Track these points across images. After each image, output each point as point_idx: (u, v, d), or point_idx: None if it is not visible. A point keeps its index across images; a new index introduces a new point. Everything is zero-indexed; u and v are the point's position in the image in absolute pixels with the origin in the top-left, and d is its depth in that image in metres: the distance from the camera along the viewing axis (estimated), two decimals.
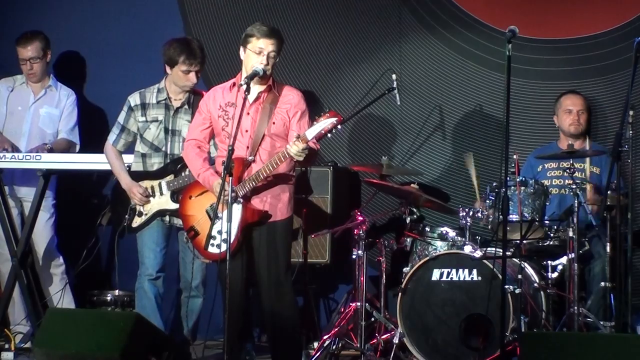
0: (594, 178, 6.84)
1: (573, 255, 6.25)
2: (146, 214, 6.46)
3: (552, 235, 6.49)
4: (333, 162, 7.36)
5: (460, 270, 6.30)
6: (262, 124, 5.68)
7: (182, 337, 6.60)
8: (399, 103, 7.13)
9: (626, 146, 5.43)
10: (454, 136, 7.41)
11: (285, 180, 5.72)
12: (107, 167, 6.65)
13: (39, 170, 6.86)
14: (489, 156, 7.28)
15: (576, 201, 6.23)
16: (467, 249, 6.39)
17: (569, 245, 6.29)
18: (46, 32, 7.30)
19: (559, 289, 6.44)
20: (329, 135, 5.46)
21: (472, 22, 7.38)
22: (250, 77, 5.57)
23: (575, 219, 6.22)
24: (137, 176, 6.50)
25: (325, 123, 5.39)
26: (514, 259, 6.33)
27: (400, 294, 6.38)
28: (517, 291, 6.11)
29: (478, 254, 6.32)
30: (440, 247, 6.59)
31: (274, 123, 5.68)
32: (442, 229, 6.72)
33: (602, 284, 6.44)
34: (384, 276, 6.70)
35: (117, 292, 7.18)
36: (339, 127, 5.42)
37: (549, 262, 6.47)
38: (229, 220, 5.44)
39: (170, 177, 6.44)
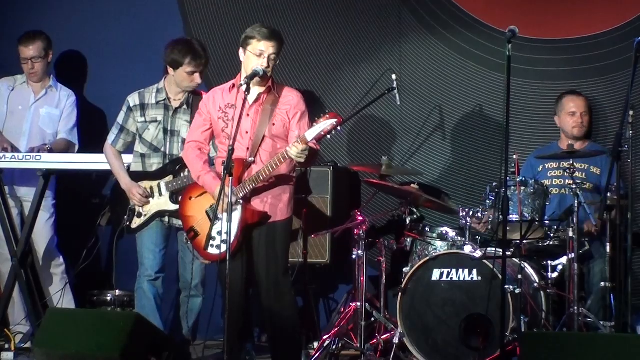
0: (593, 178, 6.84)
1: (573, 255, 6.25)
2: (145, 215, 6.46)
3: (552, 235, 6.49)
4: (333, 162, 7.36)
5: (460, 270, 6.30)
6: (262, 125, 5.68)
7: (182, 337, 6.60)
8: (399, 103, 7.13)
9: (626, 146, 5.43)
10: (454, 136, 7.41)
11: (285, 181, 5.72)
12: (106, 167, 6.65)
13: (38, 170, 6.86)
14: (489, 156, 7.28)
15: (576, 201, 6.23)
16: (467, 249, 6.39)
17: (569, 245, 6.29)
18: (46, 32, 7.30)
19: (559, 289, 6.44)
20: (328, 136, 5.47)
21: (472, 22, 7.38)
22: (250, 77, 5.58)
23: (575, 219, 6.22)
24: (136, 177, 6.50)
25: (325, 124, 5.39)
26: (514, 259, 6.33)
27: (400, 294, 6.38)
28: (517, 291, 6.12)
29: (478, 254, 6.32)
30: (440, 247, 6.59)
31: (274, 124, 5.68)
32: (442, 229, 6.72)
33: (602, 284, 6.44)
34: (384, 276, 6.70)
35: (117, 292, 7.18)
36: (338, 128, 5.43)
37: (549, 262, 6.48)
38: (229, 220, 5.45)
39: (170, 178, 6.44)
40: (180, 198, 6.15)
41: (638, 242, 6.58)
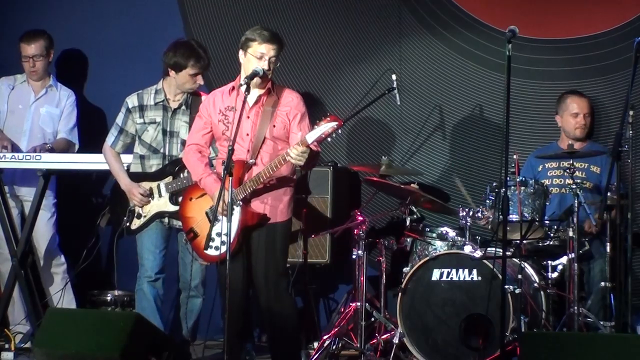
0: (593, 178, 6.84)
1: (573, 255, 6.25)
2: (145, 216, 6.45)
3: (552, 235, 6.49)
4: (333, 162, 7.36)
5: (460, 270, 6.30)
6: (262, 127, 5.68)
7: (182, 337, 6.60)
8: (399, 103, 7.13)
9: (626, 146, 5.43)
10: (454, 136, 7.41)
11: (286, 183, 5.72)
12: (106, 167, 6.65)
13: (39, 170, 6.86)
14: (489, 156, 7.28)
15: (576, 201, 6.23)
16: (467, 249, 6.39)
17: (569, 245, 6.29)
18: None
19: (559, 289, 6.44)
20: (329, 139, 5.48)
21: (472, 22, 7.38)
22: (250, 78, 5.58)
23: (575, 219, 6.22)
24: (135, 178, 6.50)
25: (325, 127, 5.40)
26: (514, 259, 6.33)
27: (400, 294, 6.38)
28: (517, 291, 6.11)
29: (478, 254, 6.32)
30: (440, 247, 6.59)
31: (274, 126, 5.69)
32: (442, 229, 6.72)
33: (602, 284, 6.44)
34: (384, 276, 6.70)
35: (117, 292, 7.18)
36: (339, 131, 5.44)
37: (549, 262, 6.48)
38: (229, 220, 5.45)
39: (169, 179, 6.43)
40: (180, 199, 6.16)
41: (638, 242, 6.58)
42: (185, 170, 6.26)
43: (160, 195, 6.44)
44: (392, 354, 6.32)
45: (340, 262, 7.16)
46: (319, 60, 7.64)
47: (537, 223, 6.41)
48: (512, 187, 6.40)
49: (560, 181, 6.84)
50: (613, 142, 5.46)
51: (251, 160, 5.65)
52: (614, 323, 5.91)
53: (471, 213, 6.58)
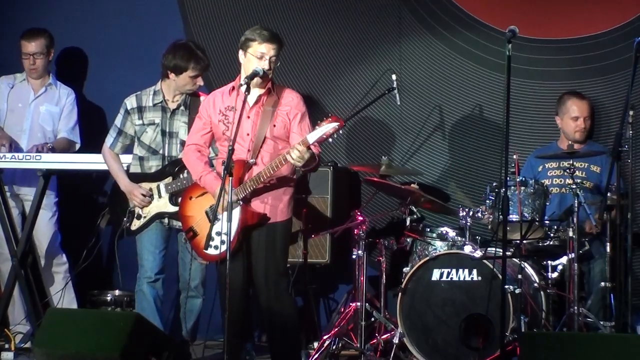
0: (594, 177, 6.84)
1: (573, 255, 6.25)
2: (145, 217, 6.45)
3: (552, 235, 6.49)
4: (333, 162, 7.36)
5: (460, 270, 6.30)
6: (263, 127, 5.68)
7: (182, 338, 6.60)
8: (399, 103, 7.13)
9: (626, 146, 5.43)
10: (453, 136, 7.41)
11: (286, 183, 5.73)
12: (106, 167, 6.64)
13: (39, 170, 6.86)
14: (489, 156, 7.28)
15: (576, 201, 6.23)
16: (467, 249, 6.39)
17: (569, 245, 6.29)
18: None
19: (559, 289, 6.44)
20: (330, 140, 5.47)
21: (472, 22, 7.38)
22: (251, 78, 5.58)
23: (575, 219, 6.22)
24: (135, 179, 6.49)
25: (327, 127, 5.40)
26: (514, 259, 6.33)
27: (400, 294, 6.38)
28: (517, 291, 6.12)
29: (478, 254, 6.32)
30: (440, 247, 6.59)
31: (274, 125, 5.69)
32: (442, 229, 6.72)
33: (602, 284, 6.44)
34: (384, 276, 6.70)
35: (117, 292, 7.18)
36: (340, 131, 5.44)
37: (549, 262, 6.48)
38: (229, 220, 5.45)
39: (169, 180, 6.43)
40: (180, 199, 6.15)
41: (638, 242, 6.57)
42: (185, 171, 6.26)
43: (160, 196, 6.44)
44: (392, 354, 6.32)
45: (340, 262, 7.16)
46: (319, 60, 7.64)
47: (537, 223, 6.41)
48: (512, 187, 6.40)
49: (560, 181, 6.84)
50: (613, 142, 5.46)
51: (251, 160, 5.65)
52: (614, 323, 5.91)
53: (471, 213, 6.59)
